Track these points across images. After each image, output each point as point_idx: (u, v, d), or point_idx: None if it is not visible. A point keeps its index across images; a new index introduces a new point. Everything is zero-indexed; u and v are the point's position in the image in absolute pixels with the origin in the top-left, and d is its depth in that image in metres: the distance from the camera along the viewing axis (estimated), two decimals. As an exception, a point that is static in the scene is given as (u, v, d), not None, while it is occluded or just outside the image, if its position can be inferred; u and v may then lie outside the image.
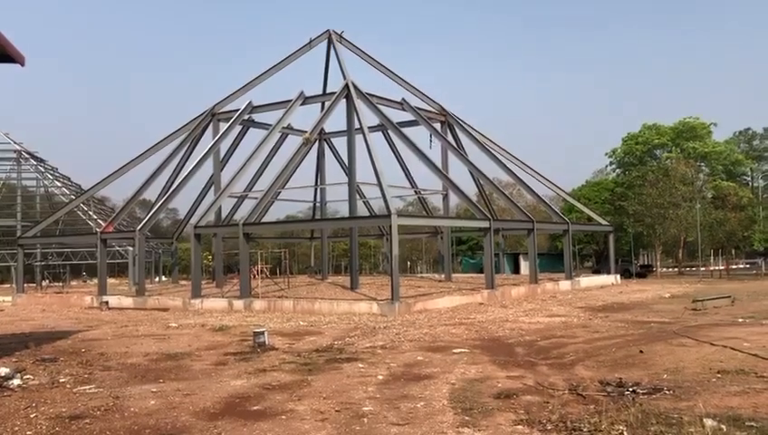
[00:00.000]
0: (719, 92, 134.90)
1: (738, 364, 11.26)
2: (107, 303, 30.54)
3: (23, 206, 55.62)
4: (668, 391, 9.45)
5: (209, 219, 32.93)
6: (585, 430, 7.55)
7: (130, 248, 43.27)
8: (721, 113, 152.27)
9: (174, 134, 37.12)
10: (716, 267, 53.34)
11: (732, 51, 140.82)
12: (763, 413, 8.03)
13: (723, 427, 7.30)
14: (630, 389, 9.58)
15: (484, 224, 30.38)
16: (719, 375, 10.48)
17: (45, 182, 55.54)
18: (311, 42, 36.34)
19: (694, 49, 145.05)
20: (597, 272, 48.46)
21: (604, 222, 45.26)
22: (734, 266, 53.09)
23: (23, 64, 12.78)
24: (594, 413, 8.19)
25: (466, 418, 8.34)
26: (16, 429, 8.32)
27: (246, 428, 8.21)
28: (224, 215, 39.88)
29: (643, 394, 9.26)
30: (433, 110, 39.18)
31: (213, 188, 37.92)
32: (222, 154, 38.82)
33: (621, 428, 7.48)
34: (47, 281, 48.98)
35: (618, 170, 69.73)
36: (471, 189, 44.44)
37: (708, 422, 7.43)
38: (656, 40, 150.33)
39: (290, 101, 34.17)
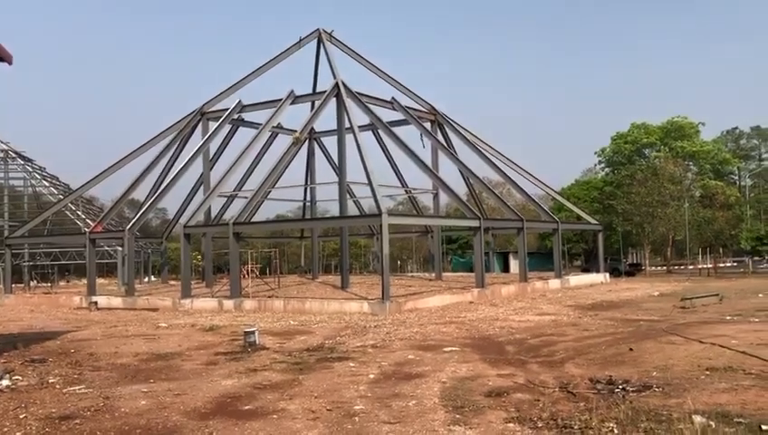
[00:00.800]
0: (707, 92, 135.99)
1: (726, 361, 11.36)
2: (96, 303, 30.38)
3: (10, 206, 55.15)
4: (658, 388, 9.52)
5: (199, 219, 32.78)
6: (576, 427, 7.59)
7: (119, 248, 42.92)
8: (708, 113, 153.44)
9: (163, 133, 36.96)
10: (704, 266, 53.75)
11: (725, 51, 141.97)
12: (751, 410, 8.11)
13: (711, 423, 7.36)
14: (620, 386, 9.64)
15: (474, 223, 30.45)
16: (708, 372, 10.57)
17: (33, 182, 55.02)
18: (300, 40, 36.27)
19: (690, 49, 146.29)
20: (586, 270, 48.66)
21: (593, 221, 45.49)
22: (721, 265, 53.51)
23: (10, 63, 12.67)
24: (585, 411, 8.24)
25: (458, 416, 8.37)
26: (6, 430, 8.25)
27: (238, 427, 8.19)
28: (213, 214, 39.71)
29: (633, 392, 9.32)
30: (423, 109, 39.19)
31: (202, 187, 37.79)
32: (211, 153, 38.70)
33: (611, 425, 7.53)
34: (35, 281, 48.61)
35: (607, 169, 70.04)
36: (461, 188, 44.52)
37: (697, 419, 7.48)
38: (655, 38, 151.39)
39: (280, 100, 34.06)
